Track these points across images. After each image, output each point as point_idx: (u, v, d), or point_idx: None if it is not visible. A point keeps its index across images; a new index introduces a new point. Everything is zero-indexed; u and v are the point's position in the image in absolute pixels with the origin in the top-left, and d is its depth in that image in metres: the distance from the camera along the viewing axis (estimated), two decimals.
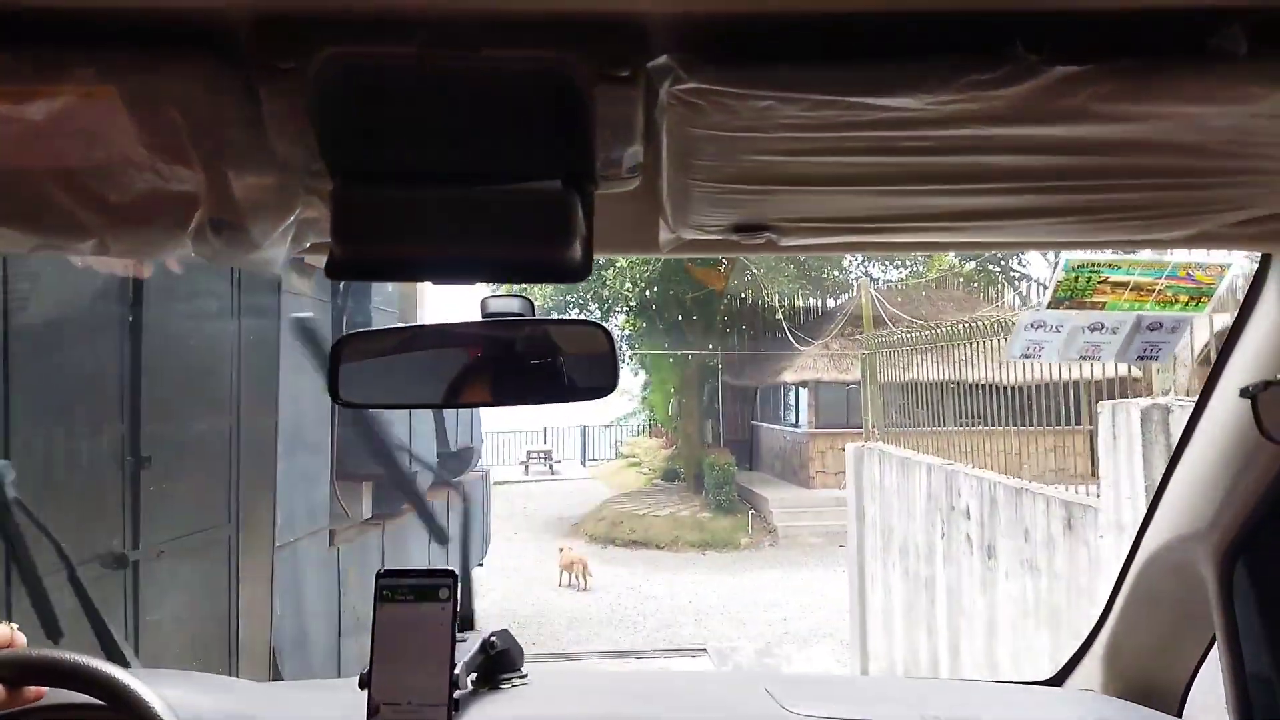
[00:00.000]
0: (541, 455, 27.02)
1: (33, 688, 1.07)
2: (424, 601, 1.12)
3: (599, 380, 1.03)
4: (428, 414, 7.00)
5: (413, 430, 6.65)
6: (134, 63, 0.61)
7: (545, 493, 23.58)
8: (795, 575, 14.60)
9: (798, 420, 19.72)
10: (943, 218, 0.82)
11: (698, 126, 0.63)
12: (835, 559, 15.37)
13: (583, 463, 28.59)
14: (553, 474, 26.77)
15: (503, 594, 13.46)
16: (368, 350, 1.10)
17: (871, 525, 7.79)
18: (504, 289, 1.05)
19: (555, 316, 1.50)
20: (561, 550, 14.59)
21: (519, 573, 15.02)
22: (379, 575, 1.14)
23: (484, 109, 0.66)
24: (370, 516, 6.48)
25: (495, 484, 24.40)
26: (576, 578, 14.10)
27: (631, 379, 23.55)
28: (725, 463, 18.87)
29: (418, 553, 7.23)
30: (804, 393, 19.18)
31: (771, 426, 21.54)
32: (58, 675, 1.02)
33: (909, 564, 6.90)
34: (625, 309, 19.49)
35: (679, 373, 20.81)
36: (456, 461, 8.11)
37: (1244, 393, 0.98)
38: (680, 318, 19.39)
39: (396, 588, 1.13)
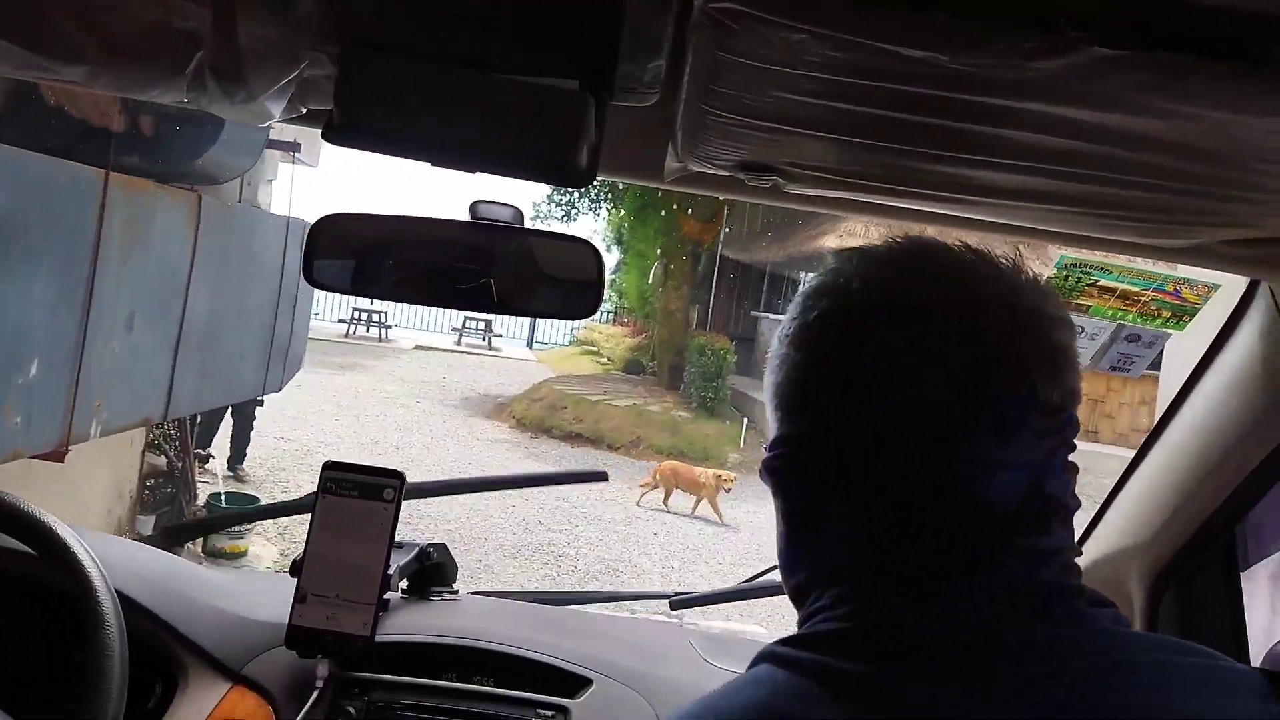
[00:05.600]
0: (480, 325, 22.35)
1: None
2: (367, 499, 1.15)
3: (579, 302, 1.03)
4: None
5: None
6: None
7: (476, 365, 19.05)
8: None
9: None
10: (945, 186, 0.83)
11: (726, 50, 0.61)
12: None
13: (529, 344, 24.71)
14: (490, 348, 22.44)
15: None
16: (347, 233, 1.08)
17: None
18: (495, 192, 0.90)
19: (547, 229, 1.24)
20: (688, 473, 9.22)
21: (401, 450, 10.09)
22: (325, 466, 1.17)
23: None
24: None
25: (417, 348, 20.48)
26: (706, 503, 8.96)
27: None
28: (720, 347, 13.63)
29: None
30: None
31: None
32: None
33: None
34: None
35: (664, 239, 15.93)
36: None
37: None
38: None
39: (341, 481, 1.16)
